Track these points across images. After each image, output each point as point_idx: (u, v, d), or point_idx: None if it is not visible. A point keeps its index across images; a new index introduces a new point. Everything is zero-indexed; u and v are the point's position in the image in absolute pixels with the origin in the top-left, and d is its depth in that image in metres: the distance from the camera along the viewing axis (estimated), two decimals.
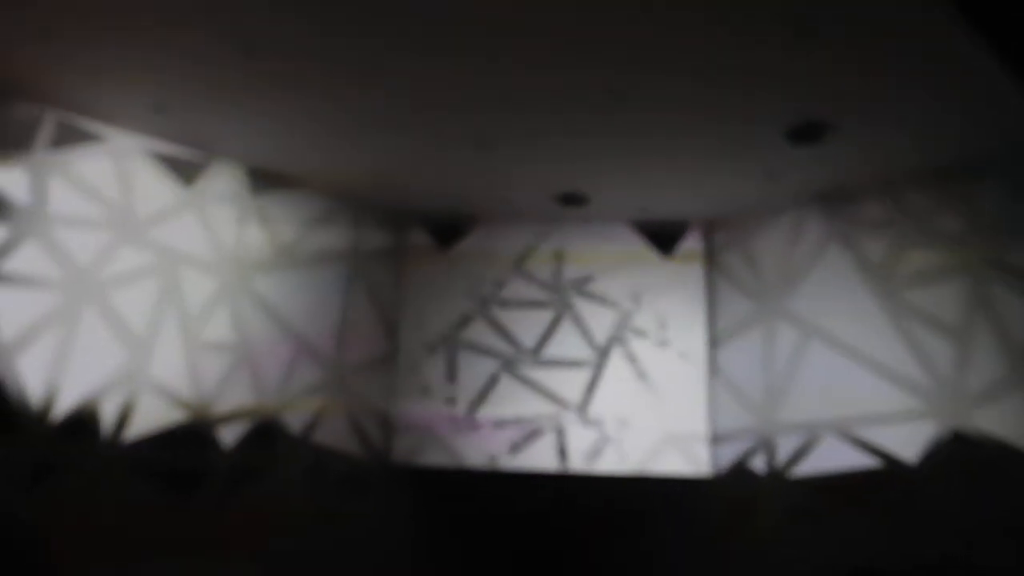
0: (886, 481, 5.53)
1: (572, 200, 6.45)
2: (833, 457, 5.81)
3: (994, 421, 5.17)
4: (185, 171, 5.85)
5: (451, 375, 6.72)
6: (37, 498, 4.89)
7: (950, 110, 4.93)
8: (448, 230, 6.92)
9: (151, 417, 5.46)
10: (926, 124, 5.11)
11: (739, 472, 6.29)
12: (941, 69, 4.50)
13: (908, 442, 5.50)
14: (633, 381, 6.66)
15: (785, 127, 5.17)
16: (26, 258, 5.09)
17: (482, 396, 6.65)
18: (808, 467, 5.93)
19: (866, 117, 5.07)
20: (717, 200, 6.44)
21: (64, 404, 5.12)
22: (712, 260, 6.81)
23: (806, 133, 5.23)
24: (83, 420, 5.19)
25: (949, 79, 4.59)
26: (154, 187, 5.71)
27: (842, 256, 6.09)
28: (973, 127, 5.14)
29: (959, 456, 5.28)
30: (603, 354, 6.71)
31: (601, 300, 6.81)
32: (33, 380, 5.01)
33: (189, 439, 5.58)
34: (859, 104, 4.90)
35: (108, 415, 5.28)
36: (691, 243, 6.87)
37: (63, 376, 5.13)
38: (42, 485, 4.93)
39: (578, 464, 6.46)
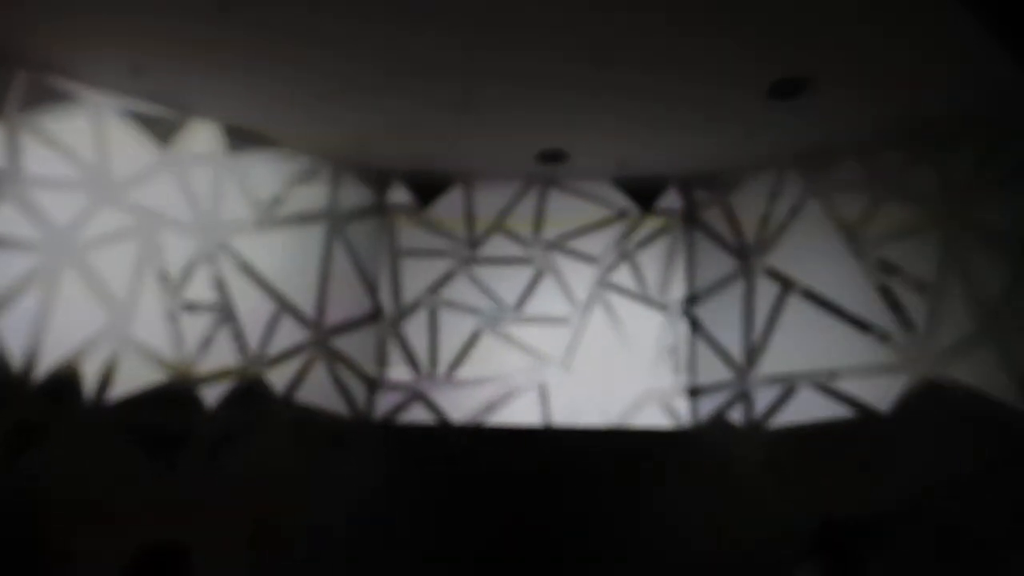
0: (861, 432, 5.68)
1: (552, 158, 6.45)
2: (810, 409, 5.94)
3: (966, 373, 5.33)
4: (162, 131, 5.78)
5: (432, 333, 6.75)
6: (19, 461, 4.89)
7: (928, 70, 4.99)
8: (429, 189, 6.90)
9: (133, 379, 5.46)
10: (903, 83, 5.16)
11: (717, 425, 6.42)
12: (920, 28, 4.54)
13: (882, 394, 5.65)
14: (614, 337, 6.73)
15: (765, 84, 5.20)
16: (2, 220, 5.03)
17: (463, 354, 6.70)
18: (785, 419, 6.07)
19: (844, 75, 5.11)
20: (697, 157, 6.47)
21: (44, 366, 5.10)
22: (691, 217, 6.87)
23: (786, 90, 5.27)
24: (64, 382, 5.19)
25: (928, 38, 4.64)
26: (131, 147, 5.63)
27: (819, 214, 6.18)
28: (949, 87, 5.20)
29: (932, 407, 5.43)
30: (584, 310, 6.77)
31: (581, 257, 6.85)
32: (13, 343, 4.98)
33: (172, 400, 5.59)
34: (838, 62, 4.94)
35: (90, 377, 5.27)
36: (670, 200, 6.92)
37: (43, 338, 5.10)
38: (24, 447, 4.92)
39: (560, 420, 6.56)
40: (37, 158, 5.22)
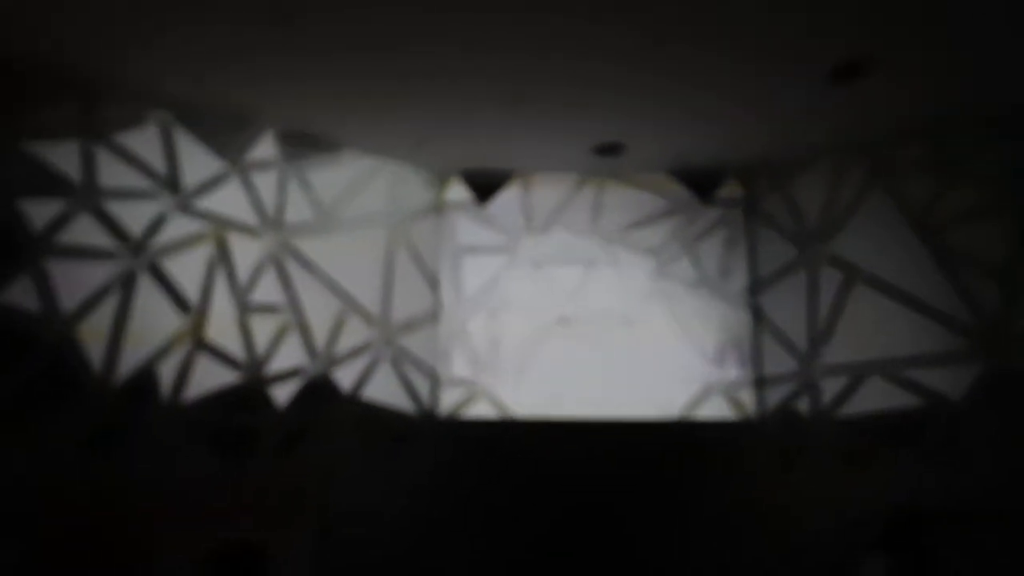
0: (932, 421, 5.56)
1: (608, 150, 6.43)
2: (878, 399, 5.84)
3: None
4: (226, 140, 5.94)
5: (494, 329, 6.81)
6: (100, 462, 5.10)
7: (994, 49, 4.83)
8: (486, 186, 6.95)
9: (206, 380, 5.64)
10: (968, 64, 5.01)
11: (784, 416, 6.35)
12: (984, 7, 4.39)
13: (954, 382, 5.51)
14: (676, 328, 6.70)
15: (827, 68, 5.10)
16: (81, 231, 5.25)
17: (526, 347, 6.74)
18: (853, 409, 5.97)
19: (908, 57, 4.97)
20: (756, 145, 6.37)
21: (123, 370, 5.30)
22: (752, 206, 6.79)
23: (847, 73, 5.15)
24: (142, 385, 5.38)
25: (993, 17, 4.49)
26: (197, 157, 5.81)
27: (884, 199, 6.04)
28: (1017, 67, 5.03)
29: (1005, 395, 5.29)
30: (645, 302, 6.75)
31: (641, 249, 6.83)
32: (93, 347, 5.20)
33: (244, 400, 5.76)
34: (901, 43, 4.82)
35: (166, 379, 5.46)
36: (730, 189, 6.85)
37: (121, 343, 5.30)
38: (105, 449, 5.13)
39: (624, 413, 6.55)
40: (110, 170, 5.42)
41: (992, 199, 5.54)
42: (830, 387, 6.12)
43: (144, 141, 5.59)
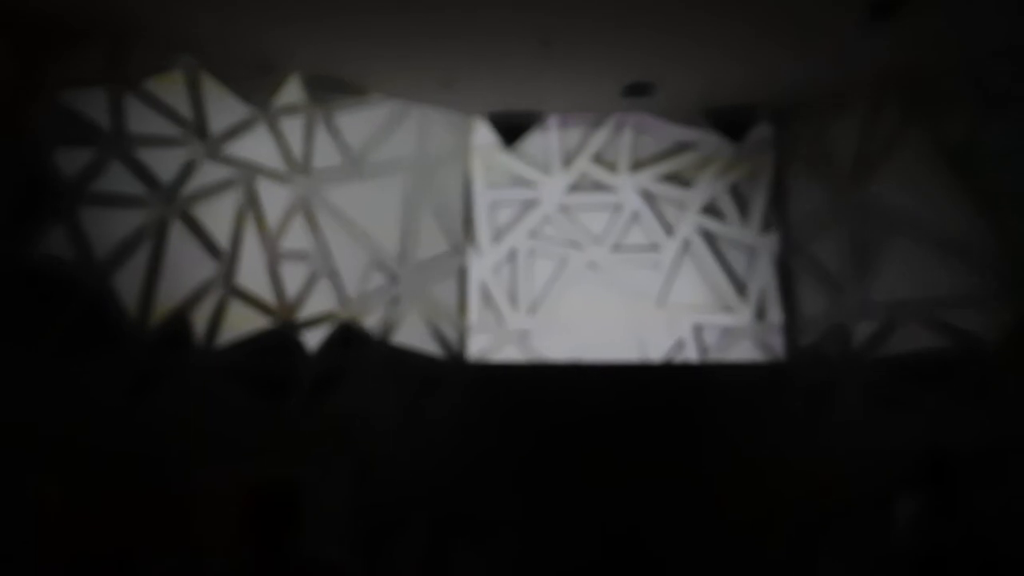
0: (966, 362, 5.49)
1: (638, 90, 6.32)
2: (911, 341, 5.77)
3: None
4: (253, 85, 5.91)
5: (526, 274, 6.80)
6: (141, 405, 5.20)
7: None
8: (513, 128, 6.87)
9: (239, 325, 5.72)
10: (1011, 1, 4.84)
11: (815, 358, 6.32)
12: None
13: (988, 323, 5.42)
14: (708, 270, 6.66)
15: (863, 2, 4.95)
16: (113, 179, 5.29)
17: (554, 291, 6.74)
18: (885, 351, 5.91)
19: None
20: (790, 84, 6.23)
21: (158, 316, 5.38)
22: (785, 147, 6.67)
23: (887, 7, 5.00)
24: (176, 330, 5.46)
25: None
26: (225, 103, 5.80)
27: (921, 138, 5.88)
28: None
29: None
30: (679, 244, 6.71)
31: (673, 190, 6.76)
32: (128, 294, 5.27)
33: (276, 345, 5.84)
34: None
35: (200, 325, 5.53)
36: (763, 130, 6.73)
37: (156, 289, 5.37)
38: (144, 393, 5.23)
39: (655, 356, 6.56)
40: (139, 118, 5.44)
41: None
42: (862, 330, 6.07)
43: (172, 87, 5.59)
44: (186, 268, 5.53)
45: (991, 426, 5.23)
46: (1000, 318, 5.39)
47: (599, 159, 6.85)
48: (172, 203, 5.51)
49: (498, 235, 6.86)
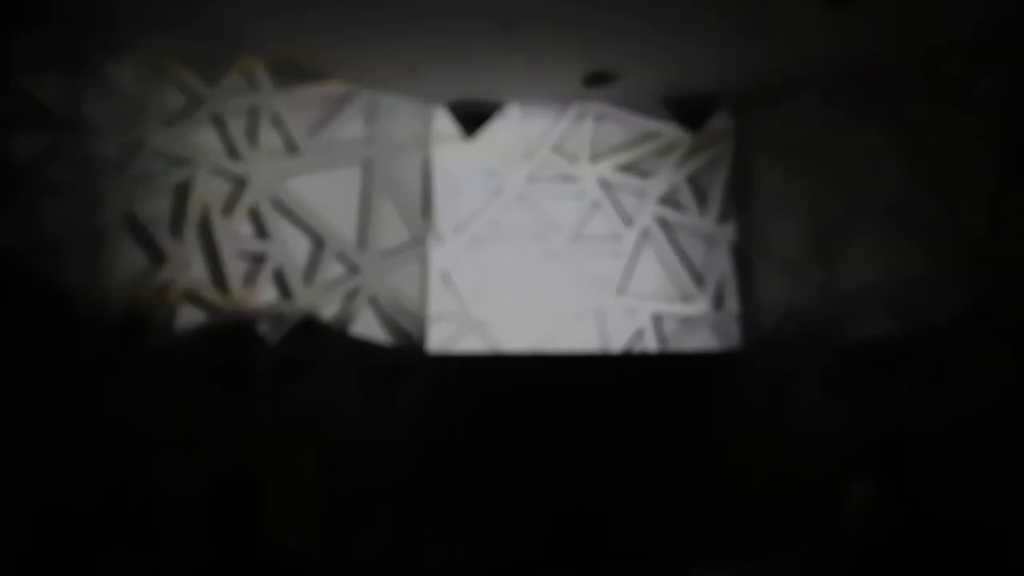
0: (918, 347, 5.62)
1: (600, 79, 6.34)
2: (869, 325, 5.89)
3: None
4: (204, 68, 5.80)
5: (484, 262, 6.79)
6: (99, 395, 5.10)
7: None
8: (473, 117, 6.84)
9: (194, 316, 5.62)
10: None
11: (773, 343, 6.41)
12: None
13: (941, 308, 5.56)
14: (667, 260, 6.71)
15: None
16: (62, 165, 5.16)
17: (514, 281, 6.74)
18: (842, 335, 6.03)
19: None
20: (749, 73, 6.30)
21: (111, 306, 5.27)
22: (744, 136, 6.75)
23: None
24: (132, 321, 5.35)
25: None
26: (179, 88, 5.69)
27: (877, 126, 6.01)
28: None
29: (990, 320, 5.34)
30: (638, 234, 6.75)
31: (633, 179, 6.80)
32: (80, 284, 5.16)
33: (234, 335, 5.75)
34: None
35: (152, 315, 5.43)
36: (722, 119, 6.79)
37: (108, 279, 5.27)
38: (100, 384, 5.13)
39: (614, 345, 6.60)
40: (92, 103, 5.31)
41: (982, 127, 5.52)
42: (820, 315, 6.17)
43: (124, 72, 5.46)
44: (134, 257, 5.42)
45: (946, 409, 5.36)
46: (955, 302, 5.52)
47: (559, 149, 6.85)
48: (119, 190, 5.39)
49: (459, 224, 6.83)
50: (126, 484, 5.01)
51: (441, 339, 6.68)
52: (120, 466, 5.00)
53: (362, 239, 6.45)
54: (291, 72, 6.12)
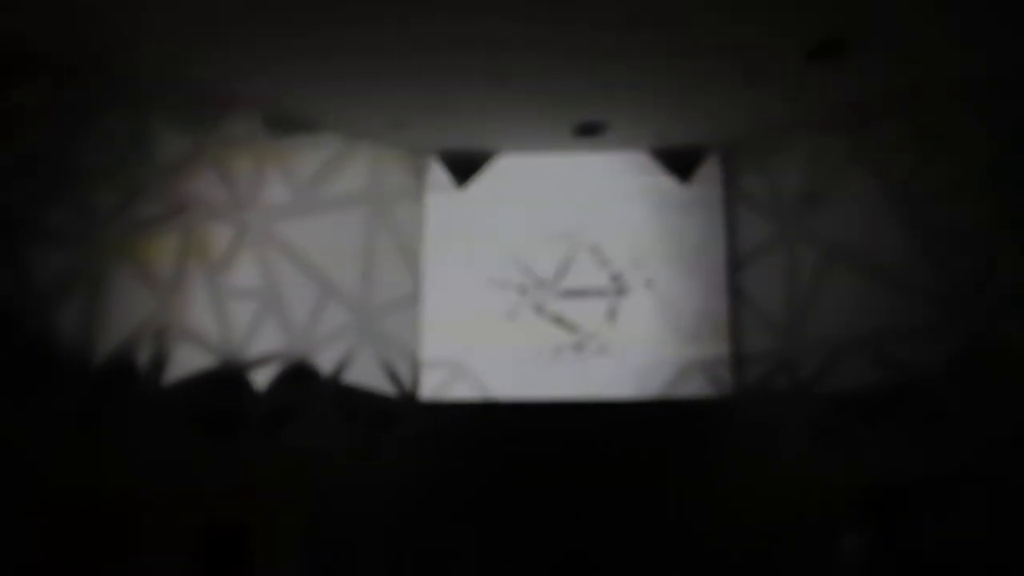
0: (910, 394, 5.58)
1: (589, 130, 6.42)
2: (856, 374, 5.85)
3: (1015, 330, 5.19)
4: (202, 119, 5.89)
5: (473, 310, 6.79)
6: (82, 445, 5.07)
7: (969, 25, 4.86)
8: (466, 167, 6.91)
9: (186, 364, 5.63)
10: (944, 40, 5.04)
11: (762, 393, 6.38)
12: None
13: (931, 355, 5.53)
14: (655, 307, 6.72)
15: (805, 46, 5.11)
16: (53, 213, 5.21)
17: (505, 329, 6.74)
18: (831, 385, 5.99)
19: (885, 35, 5.00)
20: (736, 123, 6.38)
21: (100, 355, 5.27)
22: (731, 184, 6.79)
23: (825, 52, 5.17)
24: (121, 369, 5.35)
25: None
26: (170, 136, 5.77)
27: (863, 175, 6.05)
28: (992, 42, 5.06)
29: (979, 367, 5.32)
30: (623, 282, 6.76)
31: (620, 228, 6.83)
32: (68, 333, 5.16)
33: (224, 382, 5.75)
34: (878, 21, 4.84)
35: (143, 363, 5.43)
36: (710, 168, 6.85)
37: (98, 326, 5.27)
38: (87, 432, 5.10)
39: (604, 392, 6.57)
40: (82, 151, 5.37)
41: (968, 173, 5.56)
42: (808, 363, 6.15)
43: (119, 122, 5.54)
44: (129, 304, 5.44)
45: (934, 458, 5.31)
46: (942, 350, 5.52)
47: (548, 198, 6.89)
48: (115, 237, 5.42)
49: (452, 272, 6.85)
50: (111, 535, 4.95)
51: (432, 386, 6.66)
52: (104, 516, 4.95)
53: (358, 286, 6.48)
54: (284, 122, 6.21)
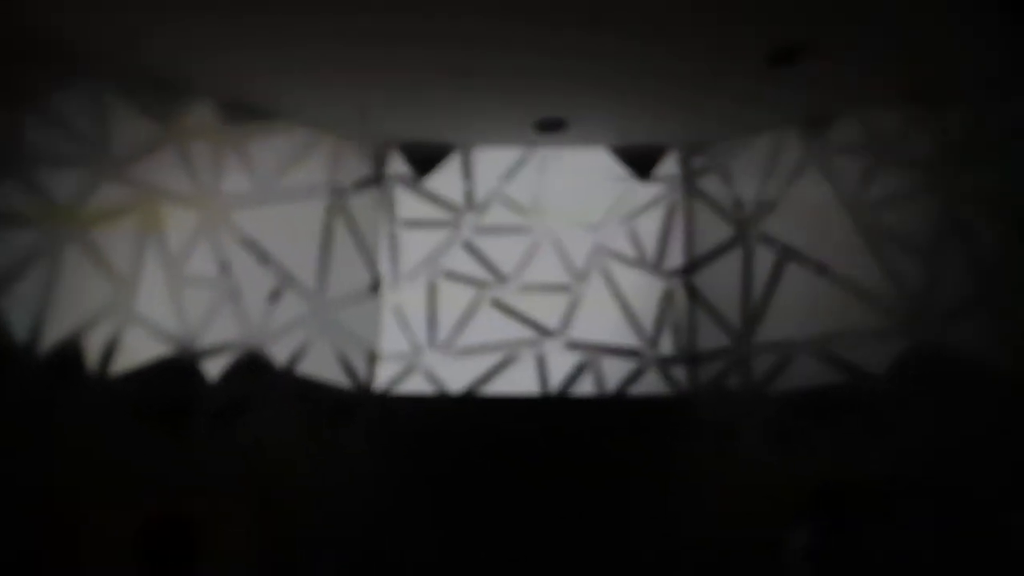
0: (858, 397, 5.72)
1: (550, 126, 6.44)
2: (807, 376, 5.99)
3: (963, 337, 5.35)
4: (160, 105, 5.77)
5: (431, 304, 6.78)
6: (27, 436, 4.96)
7: (925, 31, 4.96)
8: (426, 159, 6.89)
9: (138, 353, 5.52)
10: (900, 45, 5.14)
11: (716, 393, 6.48)
12: None
13: (880, 359, 5.68)
14: (612, 305, 6.77)
15: (763, 50, 5.18)
16: (6, 197, 5.07)
17: (462, 323, 6.74)
18: (783, 386, 6.12)
19: (843, 40, 5.09)
20: (695, 124, 6.46)
21: (49, 342, 5.15)
22: (690, 184, 6.87)
23: (784, 56, 5.25)
24: (69, 357, 5.23)
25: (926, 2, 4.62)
26: (130, 123, 5.64)
27: (817, 179, 6.18)
28: (947, 48, 5.19)
29: (929, 372, 5.47)
30: (582, 279, 6.80)
31: (579, 225, 6.86)
32: (16, 318, 5.03)
33: (177, 374, 5.65)
34: (837, 26, 4.92)
35: (93, 352, 5.32)
36: (669, 167, 6.92)
37: (47, 314, 5.14)
38: (31, 423, 4.99)
39: (559, 389, 6.61)
40: (38, 136, 5.23)
41: (919, 180, 5.71)
42: (761, 364, 6.27)
43: (74, 105, 5.41)
44: (81, 292, 5.32)
45: (881, 460, 5.45)
46: (890, 354, 5.65)
47: (509, 191, 6.89)
48: (69, 224, 5.30)
49: (410, 266, 6.83)
50: (55, 530, 4.86)
51: (387, 380, 6.63)
52: (49, 510, 4.85)
53: (315, 278, 6.41)
54: (242, 111, 6.11)
